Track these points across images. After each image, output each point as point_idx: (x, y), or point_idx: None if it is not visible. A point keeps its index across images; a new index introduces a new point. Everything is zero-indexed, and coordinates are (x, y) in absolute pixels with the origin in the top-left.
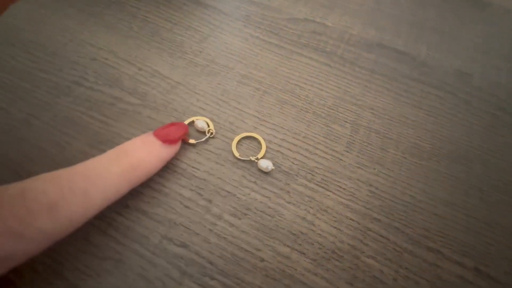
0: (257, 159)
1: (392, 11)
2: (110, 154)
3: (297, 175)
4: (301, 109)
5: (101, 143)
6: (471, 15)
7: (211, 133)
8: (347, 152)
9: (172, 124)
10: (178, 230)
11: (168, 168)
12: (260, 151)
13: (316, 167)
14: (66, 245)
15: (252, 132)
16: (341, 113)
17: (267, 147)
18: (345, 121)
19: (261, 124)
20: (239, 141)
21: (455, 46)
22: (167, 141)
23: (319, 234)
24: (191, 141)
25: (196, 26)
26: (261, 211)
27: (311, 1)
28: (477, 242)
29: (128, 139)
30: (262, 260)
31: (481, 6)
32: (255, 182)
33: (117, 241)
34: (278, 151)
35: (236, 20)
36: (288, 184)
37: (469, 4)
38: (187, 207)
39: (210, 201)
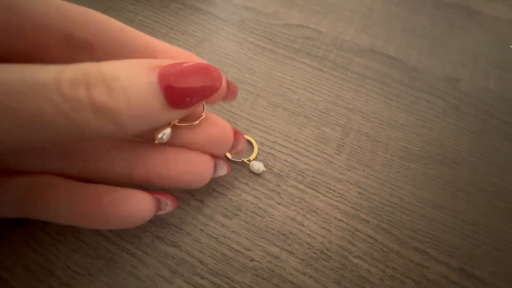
0: (249, 160)
1: (384, 18)
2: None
3: (287, 177)
4: (293, 113)
5: None
6: (461, 23)
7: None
8: (338, 154)
9: (203, 71)
10: (170, 230)
11: None
12: (252, 153)
13: (306, 169)
14: (58, 244)
15: (244, 134)
16: (332, 116)
17: (259, 149)
18: (336, 125)
19: (253, 127)
20: None
21: (445, 52)
22: (176, 99)
23: (308, 234)
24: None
25: (192, 31)
26: (251, 211)
27: (305, 8)
28: (463, 243)
29: None
30: (252, 259)
31: (471, 14)
32: (246, 184)
33: (109, 240)
34: (269, 153)
35: (231, 25)
36: (279, 185)
37: (459, 12)
38: (179, 207)
39: (202, 201)
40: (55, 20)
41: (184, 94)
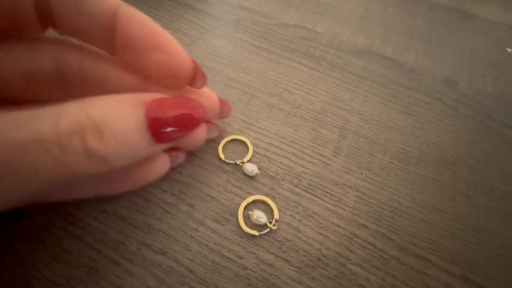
0: (242, 162)
1: (381, 19)
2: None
3: (283, 180)
4: (289, 113)
5: None
6: (458, 25)
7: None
8: (335, 157)
9: (184, 101)
10: (158, 236)
11: None
12: (245, 155)
13: (303, 171)
14: (35, 251)
15: (238, 135)
16: (329, 117)
17: (253, 151)
18: (333, 126)
19: (248, 128)
20: (224, 144)
21: (443, 54)
22: (161, 136)
23: (304, 241)
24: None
25: (186, 29)
26: (245, 217)
27: (301, 8)
28: (464, 249)
29: None
30: (245, 268)
31: (467, 17)
32: (240, 187)
33: (92, 247)
34: (264, 155)
35: (226, 24)
36: (274, 189)
37: (456, 14)
38: (168, 212)
39: (192, 206)
40: None
41: (168, 126)
